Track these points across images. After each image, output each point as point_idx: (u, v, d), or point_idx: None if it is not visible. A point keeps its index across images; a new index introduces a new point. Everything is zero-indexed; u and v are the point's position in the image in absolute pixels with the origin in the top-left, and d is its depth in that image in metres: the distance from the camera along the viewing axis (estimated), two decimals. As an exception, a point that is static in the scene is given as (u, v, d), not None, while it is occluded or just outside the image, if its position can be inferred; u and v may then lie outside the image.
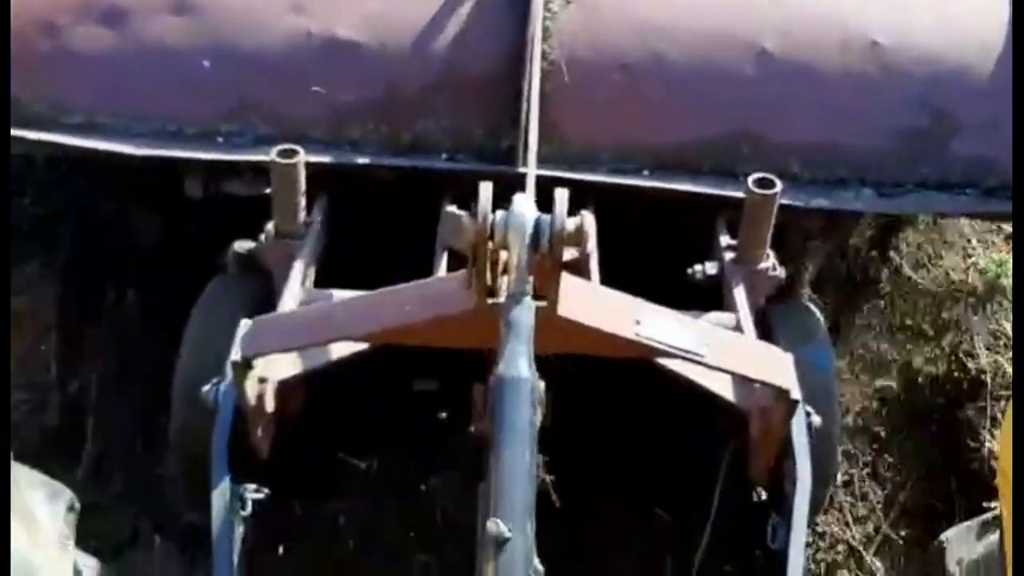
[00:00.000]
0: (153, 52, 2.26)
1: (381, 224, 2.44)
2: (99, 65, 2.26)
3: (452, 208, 2.14)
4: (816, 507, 2.26)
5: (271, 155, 2.09)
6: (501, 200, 1.55)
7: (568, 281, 1.61)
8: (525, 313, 1.42)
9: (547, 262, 1.51)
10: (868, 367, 2.82)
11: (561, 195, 1.48)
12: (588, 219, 1.50)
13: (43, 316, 2.70)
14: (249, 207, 2.23)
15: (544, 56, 2.25)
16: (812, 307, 2.31)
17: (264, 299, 2.11)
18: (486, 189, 1.49)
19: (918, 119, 2.22)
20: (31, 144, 2.21)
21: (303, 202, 2.15)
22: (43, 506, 1.58)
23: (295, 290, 2.05)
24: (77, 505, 1.66)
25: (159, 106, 2.25)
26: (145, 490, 2.51)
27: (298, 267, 2.10)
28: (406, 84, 2.26)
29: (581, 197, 2.22)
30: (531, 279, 1.50)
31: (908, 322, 2.90)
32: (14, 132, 2.16)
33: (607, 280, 2.02)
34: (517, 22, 2.23)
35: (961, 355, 2.79)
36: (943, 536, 1.88)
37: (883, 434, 2.74)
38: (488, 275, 1.54)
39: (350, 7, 2.29)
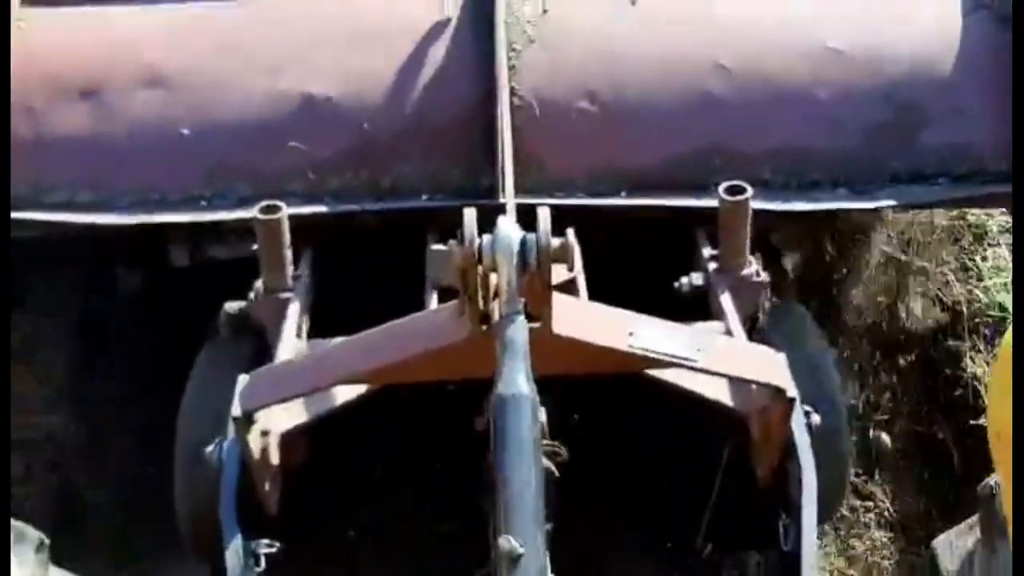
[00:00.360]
0: (131, 126, 2.30)
1: (370, 271, 2.47)
2: (79, 143, 2.30)
3: (437, 245, 2.17)
4: (831, 507, 2.26)
5: (254, 212, 2.12)
6: (485, 229, 1.58)
7: (559, 299, 1.63)
8: (519, 331, 1.44)
9: (536, 281, 1.53)
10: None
11: (544, 213, 1.52)
12: (572, 237, 1.52)
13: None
14: (236, 270, 2.26)
15: (513, 92, 2.30)
16: (802, 308, 2.33)
17: (258, 357, 2.12)
18: (470, 214, 1.52)
19: (883, 115, 2.27)
20: (15, 224, 2.23)
21: (290, 256, 2.18)
22: (10, 551, 1.54)
23: (289, 343, 2.07)
24: (47, 541, 1.63)
25: (141, 177, 2.29)
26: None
27: (290, 320, 2.12)
28: (381, 132, 2.31)
29: (562, 222, 2.28)
30: (522, 300, 1.52)
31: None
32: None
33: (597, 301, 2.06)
34: (483, 64, 2.29)
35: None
36: (933, 543, 1.90)
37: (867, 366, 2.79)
38: (480, 301, 1.56)
39: (321, 64, 2.34)
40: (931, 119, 2.27)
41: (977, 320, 2.80)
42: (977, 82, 2.28)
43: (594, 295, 2.12)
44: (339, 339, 1.92)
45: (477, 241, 1.50)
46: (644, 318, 1.73)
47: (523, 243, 1.49)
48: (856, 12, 2.36)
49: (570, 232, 1.53)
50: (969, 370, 2.70)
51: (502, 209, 2.03)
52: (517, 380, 1.39)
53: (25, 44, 2.36)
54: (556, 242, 1.51)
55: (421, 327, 1.67)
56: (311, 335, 2.18)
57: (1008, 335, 1.51)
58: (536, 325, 1.58)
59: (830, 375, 2.18)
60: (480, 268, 1.52)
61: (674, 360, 1.71)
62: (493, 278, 1.54)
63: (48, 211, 2.24)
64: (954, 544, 1.86)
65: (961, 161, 2.26)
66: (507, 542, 1.21)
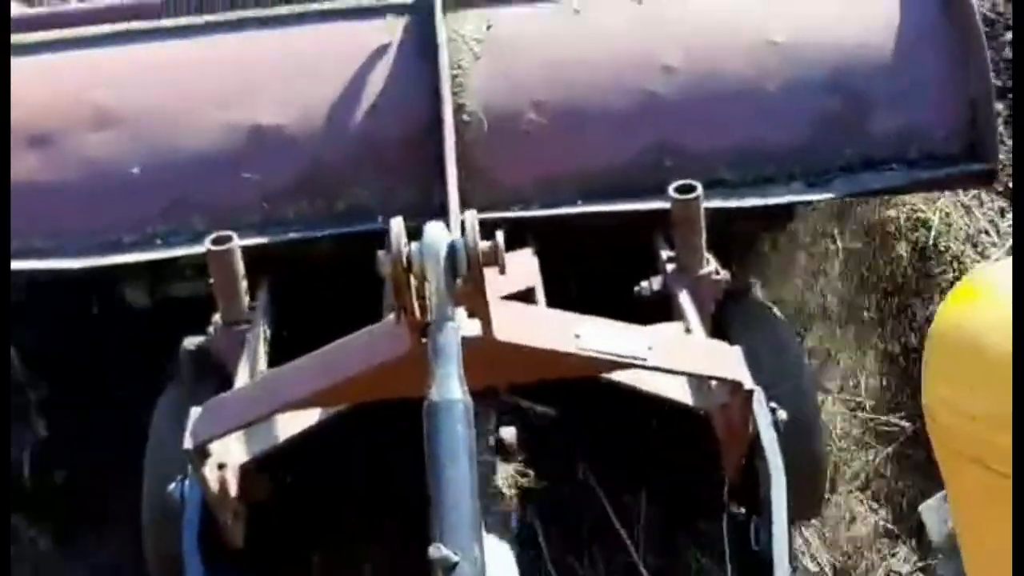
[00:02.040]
0: (81, 168, 2.30)
1: (332, 297, 2.45)
2: (31, 190, 2.29)
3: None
4: (810, 507, 2.22)
5: (205, 245, 2.11)
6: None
7: (500, 305, 1.61)
8: (450, 335, 1.42)
9: (470, 286, 1.51)
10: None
11: (471, 217, 1.50)
12: (500, 239, 1.50)
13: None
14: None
15: (462, 109, 2.30)
16: (768, 304, 2.30)
17: (220, 392, 2.10)
18: (397, 224, 1.51)
19: (831, 104, 2.26)
20: None
21: (244, 287, 2.17)
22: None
23: (246, 374, 2.05)
24: None
25: (94, 219, 2.28)
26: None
27: (248, 351, 2.10)
28: (333, 158, 2.30)
29: (520, 235, 2.27)
30: (458, 308, 1.50)
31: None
32: None
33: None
34: (429, 83, 2.29)
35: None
36: (920, 508, 1.86)
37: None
38: (417, 311, 1.54)
39: (268, 94, 2.34)
40: (879, 105, 2.26)
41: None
42: (923, 66, 2.27)
43: (557, 305, 2.11)
44: (287, 364, 1.90)
45: (405, 249, 1.49)
46: (590, 319, 1.71)
47: (451, 247, 1.48)
48: (798, 3, 2.36)
49: (499, 234, 1.51)
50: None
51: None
52: (450, 385, 1.36)
53: None
54: (485, 245, 1.50)
55: (361, 344, 1.65)
56: (275, 365, 2.16)
57: (943, 306, 1.48)
58: (477, 333, 1.56)
59: (799, 368, 2.15)
60: (412, 278, 1.50)
61: (623, 360, 1.68)
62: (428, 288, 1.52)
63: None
64: (941, 509, 1.82)
65: (912, 145, 2.25)
66: (437, 550, 1.18)
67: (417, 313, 1.53)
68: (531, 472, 1.94)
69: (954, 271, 2.82)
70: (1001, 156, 2.34)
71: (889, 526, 2.41)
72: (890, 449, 2.54)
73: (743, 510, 1.91)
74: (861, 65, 2.27)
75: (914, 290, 2.85)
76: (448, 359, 1.39)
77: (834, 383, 2.68)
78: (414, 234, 1.56)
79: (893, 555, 2.35)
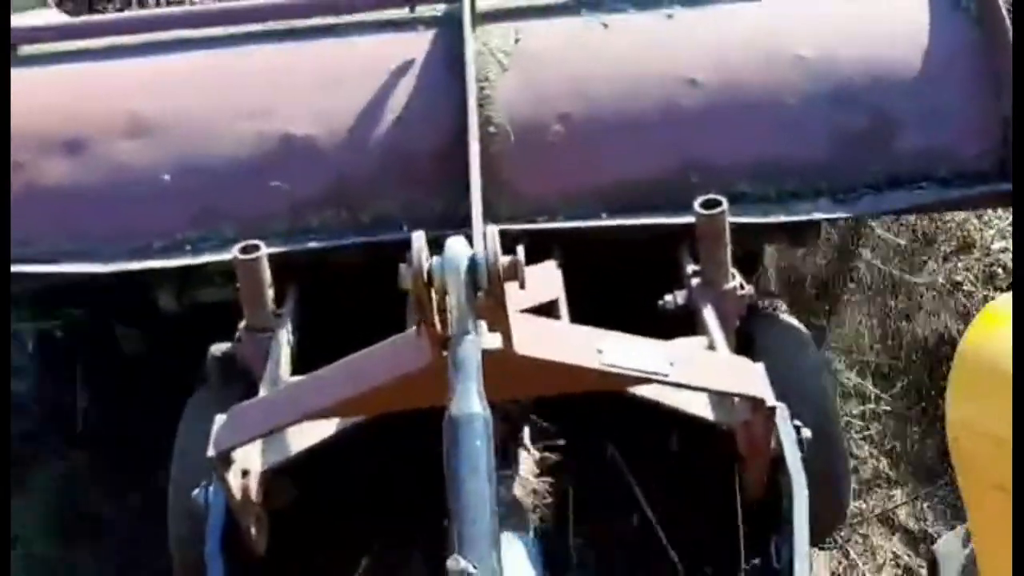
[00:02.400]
0: (114, 175, 2.33)
1: (358, 306, 2.46)
2: (64, 195, 2.33)
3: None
4: (828, 527, 2.20)
5: (233, 253, 2.14)
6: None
7: (521, 319, 1.62)
8: (470, 349, 1.42)
9: (491, 301, 1.52)
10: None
11: (491, 231, 1.51)
12: (521, 254, 1.51)
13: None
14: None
15: (489, 121, 2.31)
16: (793, 320, 2.29)
17: (246, 399, 2.12)
18: (419, 238, 1.52)
19: (858, 121, 2.24)
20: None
21: (271, 295, 2.19)
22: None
23: (273, 381, 2.07)
24: None
25: (125, 225, 2.31)
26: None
27: (274, 359, 2.13)
28: (360, 168, 2.32)
29: (544, 246, 2.28)
30: (479, 321, 1.51)
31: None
32: None
33: (583, 324, 2.04)
34: (457, 95, 2.30)
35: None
36: (934, 547, 1.84)
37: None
38: (438, 324, 1.55)
39: (298, 105, 2.37)
40: (908, 123, 2.24)
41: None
42: (953, 84, 2.25)
43: (580, 317, 2.12)
44: (310, 374, 1.92)
45: (427, 264, 1.50)
46: (612, 334, 1.71)
47: (471, 262, 1.48)
48: (825, 19, 2.35)
49: (520, 249, 1.51)
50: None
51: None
52: (470, 400, 1.37)
53: (11, 102, 2.41)
54: (505, 260, 1.50)
55: (383, 356, 1.67)
56: (300, 372, 2.18)
57: (971, 328, 1.47)
58: (497, 346, 1.56)
59: (823, 387, 2.14)
60: (433, 291, 1.51)
61: (645, 375, 1.68)
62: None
63: (34, 264, 2.27)
64: (955, 548, 1.80)
65: (941, 164, 2.23)
66: (456, 562, 1.19)
67: (438, 326, 1.54)
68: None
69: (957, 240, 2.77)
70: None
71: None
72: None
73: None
74: (891, 82, 2.26)
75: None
76: (468, 373, 1.40)
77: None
78: (439, 245, 1.58)
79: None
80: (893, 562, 2.43)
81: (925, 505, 2.54)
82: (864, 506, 2.52)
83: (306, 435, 1.95)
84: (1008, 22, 2.19)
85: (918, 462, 2.63)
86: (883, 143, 2.23)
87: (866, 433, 2.64)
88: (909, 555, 2.43)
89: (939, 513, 2.51)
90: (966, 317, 2.76)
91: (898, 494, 2.56)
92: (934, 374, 2.72)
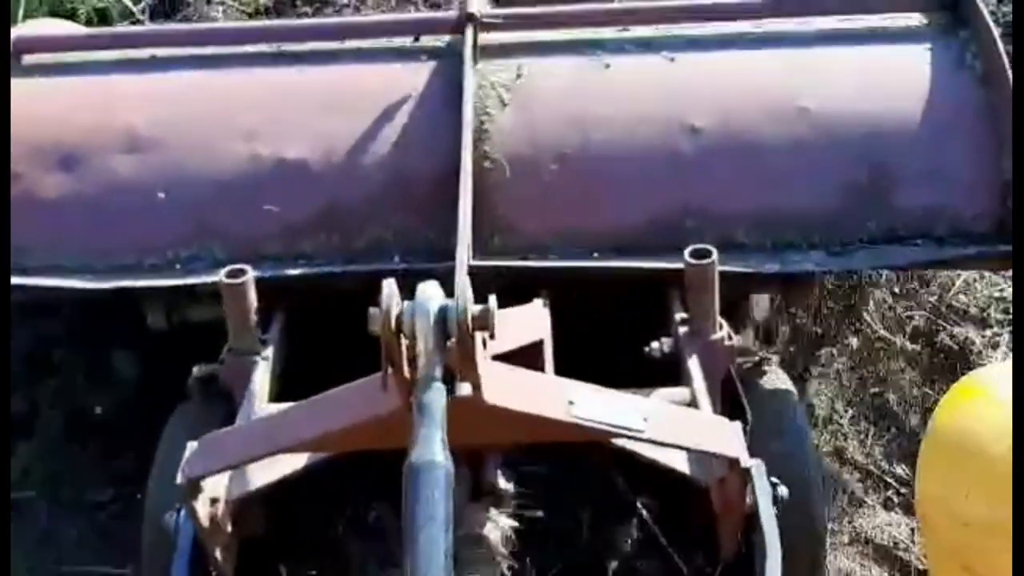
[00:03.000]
0: (110, 190, 2.34)
1: (345, 334, 2.45)
2: (59, 208, 2.34)
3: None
4: None
5: (220, 276, 2.14)
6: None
7: (491, 368, 1.60)
8: (436, 396, 1.41)
9: (461, 349, 1.50)
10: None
11: (462, 282, 1.50)
12: (493, 303, 1.50)
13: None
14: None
15: (486, 156, 2.30)
16: (783, 378, 2.25)
17: (226, 421, 2.12)
18: (389, 285, 1.51)
19: (857, 175, 2.22)
20: None
21: (255, 320, 2.18)
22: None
23: (251, 407, 2.06)
24: None
25: (118, 240, 2.32)
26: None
27: (254, 384, 2.12)
28: (354, 195, 2.32)
29: (534, 285, 2.27)
30: (446, 367, 1.50)
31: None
32: None
33: (568, 366, 2.03)
34: (454, 127, 2.30)
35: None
36: None
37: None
38: (407, 372, 1.53)
39: (296, 129, 2.37)
40: (908, 179, 2.21)
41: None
42: (955, 143, 2.22)
43: (566, 358, 2.10)
44: (283, 407, 1.91)
45: (396, 309, 1.49)
46: (585, 386, 1.69)
47: (442, 310, 1.47)
48: (828, 71, 2.33)
49: (492, 298, 1.50)
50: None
51: (474, 273, 2.01)
52: (431, 448, 1.36)
53: (11, 111, 2.43)
54: (477, 309, 1.49)
55: (353, 397, 1.66)
56: (283, 398, 2.17)
57: (940, 404, 1.45)
58: (466, 394, 1.55)
59: (803, 444, 2.10)
60: (404, 338, 1.50)
61: (618, 430, 1.66)
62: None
63: (27, 276, 2.28)
64: None
65: (939, 222, 2.20)
66: None
67: (407, 372, 1.53)
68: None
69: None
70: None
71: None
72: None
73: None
74: (892, 137, 2.23)
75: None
76: (431, 420, 1.39)
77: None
78: (430, 277, 1.56)
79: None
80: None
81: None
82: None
83: (278, 465, 1.95)
84: (1011, 83, 2.16)
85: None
86: (882, 198, 2.21)
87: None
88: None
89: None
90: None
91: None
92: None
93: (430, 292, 1.49)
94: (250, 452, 1.76)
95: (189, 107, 2.42)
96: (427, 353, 1.45)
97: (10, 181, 2.32)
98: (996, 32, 2.26)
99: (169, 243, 2.31)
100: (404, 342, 1.51)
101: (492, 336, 1.50)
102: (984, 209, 2.19)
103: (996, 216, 2.19)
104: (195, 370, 2.25)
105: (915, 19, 2.42)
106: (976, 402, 1.42)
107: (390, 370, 1.52)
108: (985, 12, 2.32)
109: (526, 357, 2.00)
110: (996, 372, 1.47)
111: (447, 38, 2.49)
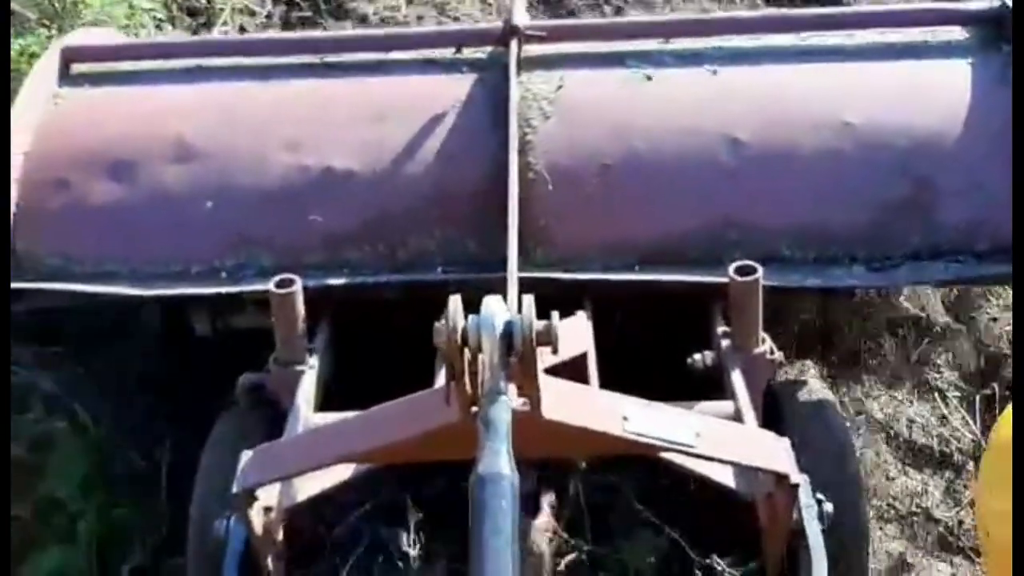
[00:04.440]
0: (159, 198, 2.37)
1: (390, 344, 2.48)
2: (108, 215, 2.37)
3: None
4: None
5: (269, 286, 2.16)
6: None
7: (550, 383, 1.63)
8: (501, 410, 1.44)
9: (523, 364, 1.53)
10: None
11: (528, 300, 1.52)
12: (556, 320, 1.52)
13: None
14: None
15: (529, 167, 2.32)
16: (823, 390, 2.27)
17: (273, 429, 2.15)
18: (455, 302, 1.53)
19: (900, 190, 2.23)
20: (48, 296, 2.30)
21: (303, 329, 2.21)
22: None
23: (300, 417, 2.09)
24: None
25: (166, 248, 2.35)
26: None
27: (303, 394, 2.15)
28: (398, 205, 2.34)
29: (576, 297, 2.29)
30: (510, 383, 1.52)
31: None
32: (31, 286, 2.27)
33: (610, 377, 2.05)
34: (499, 138, 2.32)
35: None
36: None
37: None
38: (468, 385, 1.56)
39: (341, 139, 2.40)
40: (950, 194, 2.22)
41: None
42: (998, 157, 2.23)
43: (608, 370, 2.12)
44: (339, 417, 1.93)
45: (461, 325, 1.51)
46: (639, 401, 1.71)
47: (508, 325, 1.50)
48: (873, 85, 2.34)
49: (555, 315, 1.52)
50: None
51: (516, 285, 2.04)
52: (498, 460, 1.38)
53: (60, 120, 2.46)
54: (540, 325, 1.51)
55: (413, 409, 1.68)
56: (329, 408, 2.19)
57: (1003, 418, 1.45)
58: (525, 409, 1.57)
59: (848, 459, 2.12)
60: (467, 353, 1.52)
61: (671, 446, 1.68)
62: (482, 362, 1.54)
63: (75, 282, 2.31)
64: None
65: (981, 238, 2.21)
66: None
67: (468, 385, 1.55)
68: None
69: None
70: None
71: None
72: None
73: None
74: (934, 152, 2.24)
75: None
76: (498, 434, 1.41)
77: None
78: (473, 287, 1.58)
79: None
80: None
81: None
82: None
83: (331, 473, 1.97)
84: None
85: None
86: (924, 213, 2.22)
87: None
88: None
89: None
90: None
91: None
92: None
93: (495, 307, 1.51)
94: (307, 462, 1.79)
95: (235, 117, 2.45)
96: (492, 367, 1.48)
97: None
98: (1038, 47, 2.28)
99: (215, 252, 2.34)
100: (467, 355, 1.53)
101: (555, 351, 1.52)
102: None
103: None
104: (242, 379, 2.27)
105: (957, 33, 2.44)
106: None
107: (452, 383, 1.54)
108: (1028, 27, 2.34)
109: (571, 370, 2.03)
110: None
111: (488, 49, 2.51)
